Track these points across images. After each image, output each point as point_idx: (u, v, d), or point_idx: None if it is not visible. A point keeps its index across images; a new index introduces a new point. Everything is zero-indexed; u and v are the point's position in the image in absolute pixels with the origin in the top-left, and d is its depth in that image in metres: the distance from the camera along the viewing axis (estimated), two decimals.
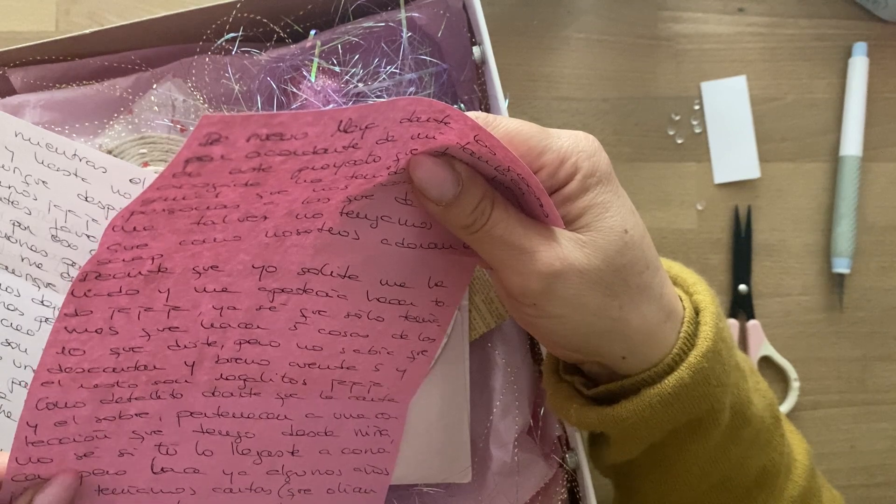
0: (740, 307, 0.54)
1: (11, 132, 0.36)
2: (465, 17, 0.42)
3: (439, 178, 0.28)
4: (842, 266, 0.54)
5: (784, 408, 0.53)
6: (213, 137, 0.22)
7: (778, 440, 0.35)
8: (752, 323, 0.54)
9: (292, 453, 0.33)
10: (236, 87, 0.41)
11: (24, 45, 0.39)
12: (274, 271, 0.29)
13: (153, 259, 0.26)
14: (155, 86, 0.40)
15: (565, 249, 0.28)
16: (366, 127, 0.24)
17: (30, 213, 0.36)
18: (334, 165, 0.25)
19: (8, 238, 0.36)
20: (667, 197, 0.55)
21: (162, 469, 0.31)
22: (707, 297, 0.32)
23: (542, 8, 0.55)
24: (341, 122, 0.23)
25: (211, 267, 0.27)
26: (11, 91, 0.41)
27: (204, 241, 0.26)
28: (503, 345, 0.40)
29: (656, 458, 0.35)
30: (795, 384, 0.54)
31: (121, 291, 0.26)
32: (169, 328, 0.28)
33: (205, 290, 0.28)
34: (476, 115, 0.28)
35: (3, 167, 0.36)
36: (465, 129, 0.26)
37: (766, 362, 0.54)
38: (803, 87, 0.56)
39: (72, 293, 0.26)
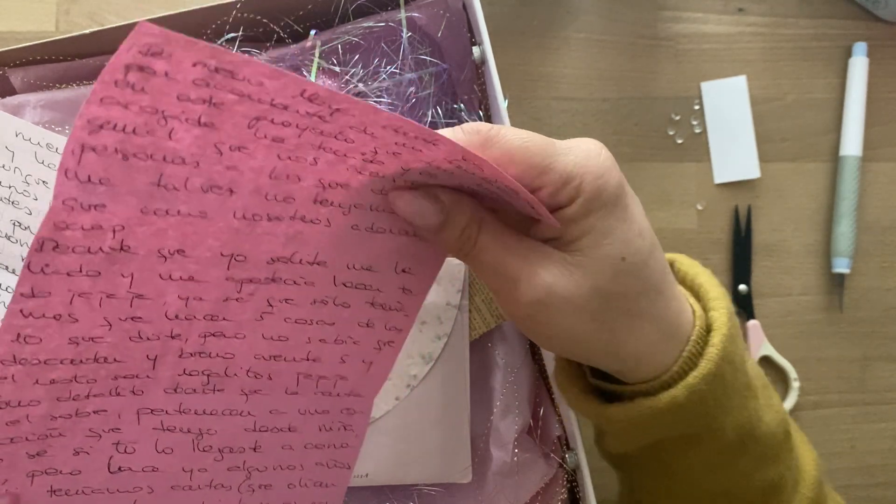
0: (740, 307, 0.54)
1: (12, 132, 0.36)
2: (465, 17, 0.42)
3: (420, 209, 0.28)
4: (842, 266, 0.54)
5: (784, 408, 0.54)
6: (154, 49, 0.21)
7: (787, 454, 0.34)
8: (752, 323, 0.54)
9: (254, 449, 0.32)
10: None
11: (24, 45, 0.39)
12: (243, 261, 0.27)
13: (114, 232, 0.24)
14: None
15: (551, 277, 0.28)
16: (336, 109, 0.24)
17: (30, 213, 0.36)
18: (297, 126, 0.24)
19: (8, 238, 0.36)
20: (667, 197, 0.55)
21: (119, 468, 0.29)
22: (723, 317, 0.31)
23: (542, 8, 0.55)
24: (305, 90, 0.23)
25: (177, 251, 0.26)
26: (11, 91, 0.41)
27: (167, 213, 0.25)
28: (503, 345, 0.40)
29: (655, 456, 0.35)
30: (795, 384, 0.54)
31: (81, 271, 0.24)
32: (132, 318, 0.26)
33: (170, 277, 0.26)
34: (478, 129, 0.28)
35: (3, 167, 0.36)
36: (454, 151, 0.26)
37: (766, 362, 0.54)
38: (803, 87, 0.56)
39: (28, 268, 0.23)
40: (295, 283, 0.29)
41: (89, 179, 0.23)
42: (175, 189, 0.25)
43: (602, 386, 0.33)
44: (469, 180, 0.28)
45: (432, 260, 0.32)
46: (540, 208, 0.28)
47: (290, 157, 0.26)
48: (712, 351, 0.30)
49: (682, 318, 0.30)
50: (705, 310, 0.32)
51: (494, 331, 0.40)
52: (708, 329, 0.31)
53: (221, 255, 0.27)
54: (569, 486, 0.40)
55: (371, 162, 0.27)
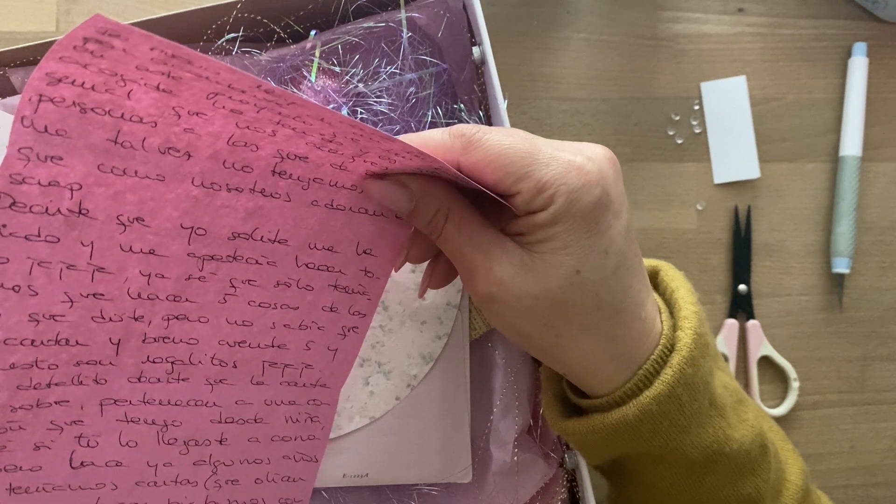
0: (740, 307, 0.54)
1: None
2: (465, 18, 0.42)
3: (392, 196, 0.30)
4: (841, 266, 0.54)
5: (784, 408, 0.54)
6: (112, 32, 0.21)
7: (763, 467, 0.34)
8: (751, 323, 0.54)
9: (220, 442, 0.31)
10: None
11: (24, 45, 0.39)
12: (204, 234, 0.27)
13: (72, 191, 0.24)
14: None
15: (506, 274, 0.28)
16: (291, 102, 0.24)
17: None
18: (255, 105, 0.24)
19: None
20: (667, 197, 0.55)
21: (82, 463, 0.29)
22: (687, 338, 0.31)
23: (542, 8, 0.55)
24: (261, 86, 0.23)
25: (137, 219, 0.26)
26: (11, 91, 0.41)
27: (125, 172, 0.25)
28: (503, 345, 0.40)
29: (624, 469, 0.35)
30: (795, 384, 0.54)
31: (39, 235, 0.24)
32: (93, 294, 0.26)
33: (131, 249, 0.26)
34: (463, 132, 0.28)
35: None
36: (408, 148, 0.27)
37: (766, 362, 0.54)
38: (803, 87, 0.56)
39: None
40: (257, 262, 0.29)
41: (46, 129, 0.23)
42: (132, 147, 0.24)
43: (569, 396, 0.34)
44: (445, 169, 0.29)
45: (392, 242, 0.32)
46: (486, 192, 0.29)
47: (248, 127, 0.26)
48: (668, 372, 0.30)
49: (642, 341, 0.30)
50: (674, 328, 0.32)
51: (494, 331, 0.40)
52: (672, 349, 0.31)
53: (182, 226, 0.27)
54: (568, 485, 0.40)
55: (330, 142, 0.27)
